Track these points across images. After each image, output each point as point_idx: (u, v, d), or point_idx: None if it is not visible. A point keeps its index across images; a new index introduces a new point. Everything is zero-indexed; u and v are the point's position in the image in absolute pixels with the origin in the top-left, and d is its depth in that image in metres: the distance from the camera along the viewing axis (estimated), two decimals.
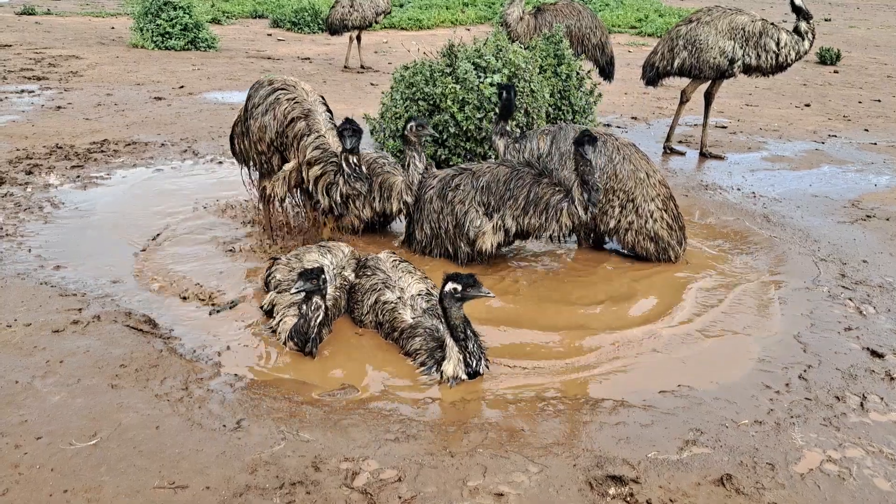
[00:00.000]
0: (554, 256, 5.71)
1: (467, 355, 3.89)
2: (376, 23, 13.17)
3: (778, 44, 7.70)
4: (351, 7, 12.62)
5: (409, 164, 5.46)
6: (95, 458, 3.18)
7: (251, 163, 5.54)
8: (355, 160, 4.98)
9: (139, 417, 3.47)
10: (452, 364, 3.90)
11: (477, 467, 3.21)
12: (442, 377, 3.92)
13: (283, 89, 5.10)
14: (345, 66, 13.46)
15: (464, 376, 3.91)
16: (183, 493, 3.00)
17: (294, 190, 5.47)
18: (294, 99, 5.07)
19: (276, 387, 3.81)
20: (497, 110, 6.92)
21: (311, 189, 5.21)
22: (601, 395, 3.85)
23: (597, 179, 5.03)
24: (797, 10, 7.70)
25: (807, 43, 7.74)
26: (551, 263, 5.59)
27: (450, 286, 3.85)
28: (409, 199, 5.54)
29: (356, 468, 3.19)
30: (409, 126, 5.39)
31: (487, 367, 3.99)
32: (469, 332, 3.90)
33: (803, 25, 7.69)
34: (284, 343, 4.15)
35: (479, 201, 5.19)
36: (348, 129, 4.87)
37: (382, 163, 5.71)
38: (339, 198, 5.14)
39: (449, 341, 3.91)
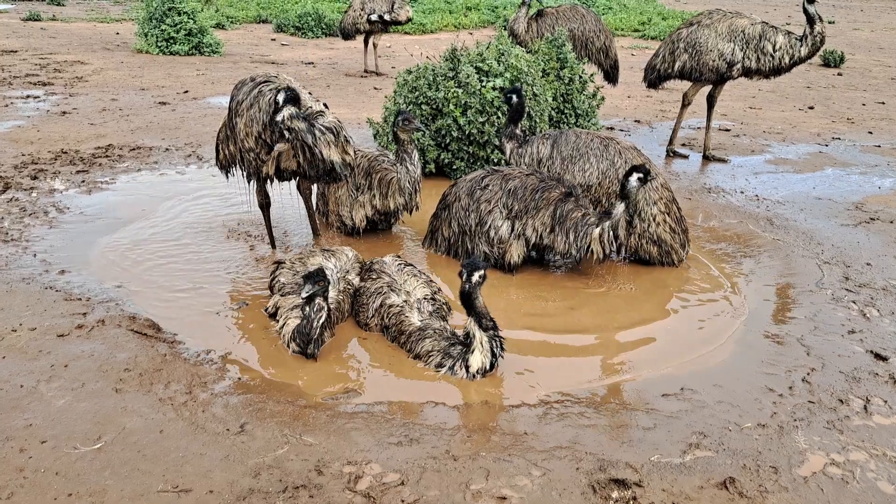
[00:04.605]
0: (554, 259, 5.71)
1: (493, 344, 3.93)
2: (385, 31, 13.15)
3: (774, 46, 7.71)
4: (362, 10, 12.64)
5: (403, 162, 5.55)
6: (100, 462, 3.19)
7: (239, 166, 5.34)
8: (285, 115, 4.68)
9: (143, 421, 3.48)
10: (480, 355, 3.93)
11: (480, 471, 3.22)
12: (468, 372, 3.95)
13: (265, 82, 4.95)
14: (376, 72, 13.51)
15: (488, 366, 3.95)
16: (186, 497, 3.02)
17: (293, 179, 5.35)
18: (277, 87, 4.98)
19: (280, 390, 3.82)
20: (499, 114, 6.96)
21: (295, 156, 4.92)
22: (603, 398, 3.85)
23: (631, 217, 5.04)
24: (806, 13, 7.69)
25: (804, 48, 7.69)
26: (548, 267, 5.59)
27: (477, 276, 3.91)
28: (408, 198, 5.61)
29: (359, 472, 3.19)
30: (396, 122, 5.48)
31: (503, 356, 4.03)
32: (493, 320, 3.97)
33: (808, 30, 7.68)
34: (287, 345, 4.17)
35: (505, 203, 5.21)
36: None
37: (382, 160, 5.77)
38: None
39: (478, 333, 3.93)
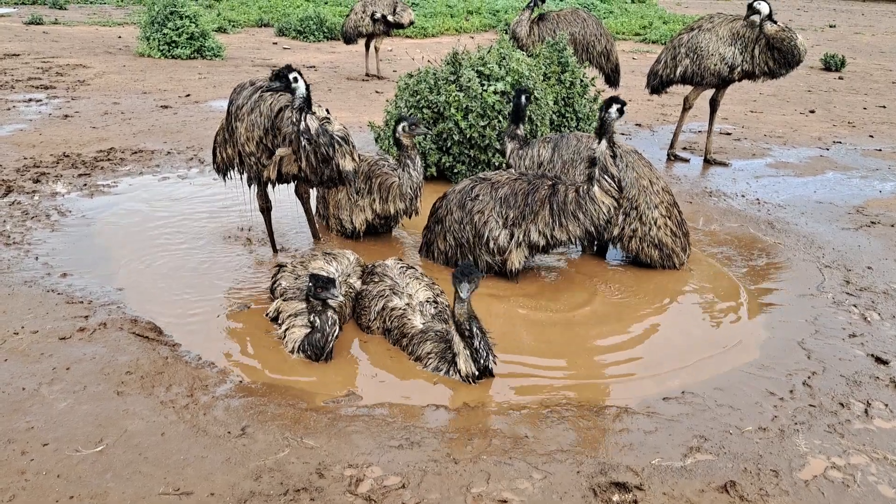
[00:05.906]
0: (556, 264, 5.72)
1: (473, 352, 3.92)
2: (387, 34, 13.17)
3: (757, 50, 7.75)
4: (363, 13, 12.65)
5: (405, 167, 5.55)
6: (101, 465, 3.20)
7: (238, 169, 5.34)
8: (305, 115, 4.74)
9: (145, 424, 3.49)
10: (462, 361, 3.94)
11: (481, 474, 3.22)
12: (461, 376, 3.97)
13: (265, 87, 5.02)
14: (377, 76, 13.53)
15: (475, 371, 3.95)
16: (188, 500, 3.02)
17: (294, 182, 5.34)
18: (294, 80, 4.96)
19: (281, 393, 3.83)
20: (500, 118, 6.97)
21: (298, 161, 4.93)
22: (605, 402, 3.85)
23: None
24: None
25: (776, 52, 7.74)
26: (549, 272, 5.60)
27: (467, 286, 3.85)
28: (408, 203, 5.63)
29: (360, 475, 3.20)
30: (400, 128, 5.49)
31: (495, 363, 4.02)
32: (475, 329, 3.93)
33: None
34: (292, 351, 4.17)
35: (499, 212, 5.17)
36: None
37: (382, 164, 5.78)
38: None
39: (455, 338, 3.94)
